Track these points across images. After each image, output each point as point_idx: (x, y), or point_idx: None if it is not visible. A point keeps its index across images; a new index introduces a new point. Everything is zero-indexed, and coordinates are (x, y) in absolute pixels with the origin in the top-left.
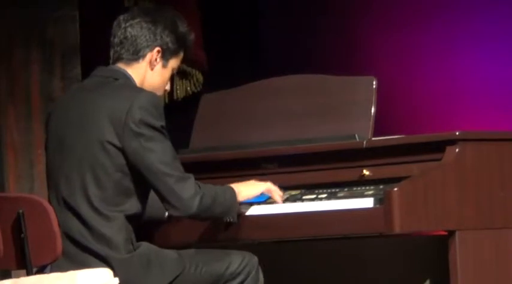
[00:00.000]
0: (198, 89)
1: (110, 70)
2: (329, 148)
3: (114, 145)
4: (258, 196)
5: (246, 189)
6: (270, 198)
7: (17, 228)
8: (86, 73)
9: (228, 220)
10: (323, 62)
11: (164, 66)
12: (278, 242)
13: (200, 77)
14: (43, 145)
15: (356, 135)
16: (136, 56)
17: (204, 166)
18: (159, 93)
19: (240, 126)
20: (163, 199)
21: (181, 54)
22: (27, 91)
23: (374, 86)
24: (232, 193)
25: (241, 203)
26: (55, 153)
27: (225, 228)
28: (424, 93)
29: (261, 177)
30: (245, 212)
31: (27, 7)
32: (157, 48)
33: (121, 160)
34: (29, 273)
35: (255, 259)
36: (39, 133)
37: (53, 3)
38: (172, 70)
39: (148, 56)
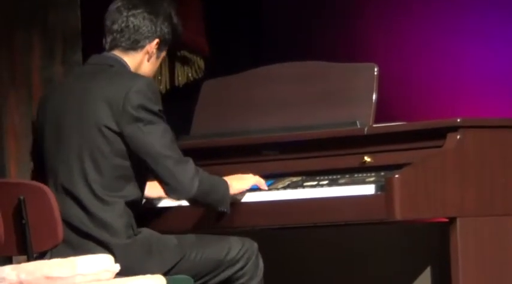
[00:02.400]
0: (200, 75)
1: (105, 57)
2: (330, 134)
3: (113, 130)
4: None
5: (237, 183)
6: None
7: (18, 214)
8: (87, 59)
9: (222, 210)
10: (325, 48)
11: (158, 56)
12: (278, 229)
13: (201, 63)
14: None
15: (357, 122)
16: (135, 45)
17: (205, 153)
18: None
19: (241, 113)
20: (162, 182)
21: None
22: (28, 76)
23: (375, 73)
24: (226, 184)
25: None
26: (51, 138)
27: (224, 216)
28: (426, 79)
29: (262, 163)
30: (244, 199)
31: None
32: (156, 40)
33: (120, 145)
34: (29, 259)
35: (255, 245)
36: None
37: None
38: (161, 61)
39: (147, 47)
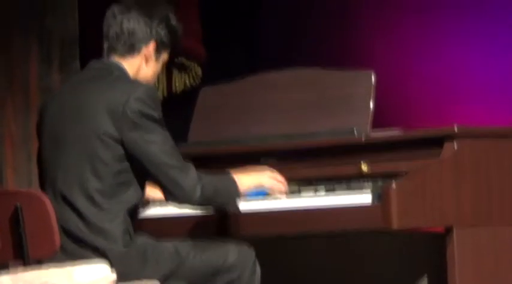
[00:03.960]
0: (197, 82)
1: (104, 63)
2: (327, 142)
3: (112, 137)
4: (258, 192)
5: (247, 179)
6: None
7: (15, 222)
8: (84, 65)
9: (230, 209)
10: (321, 55)
11: (157, 59)
12: (272, 238)
13: (199, 70)
14: None
15: (354, 130)
16: (132, 49)
17: (202, 160)
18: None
19: (239, 120)
20: (164, 189)
21: (170, 48)
22: (25, 83)
23: (373, 80)
24: (233, 183)
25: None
26: (51, 146)
27: (222, 224)
28: (423, 88)
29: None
30: (242, 208)
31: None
32: (152, 43)
33: (120, 151)
34: (26, 267)
35: (252, 251)
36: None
37: None
38: (163, 63)
39: (144, 50)
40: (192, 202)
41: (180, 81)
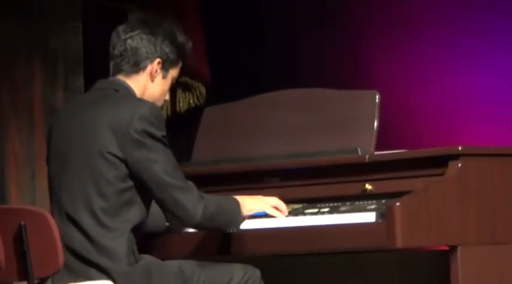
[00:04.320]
0: (201, 102)
1: (109, 82)
2: (331, 162)
3: (116, 156)
4: (259, 213)
5: (250, 202)
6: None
7: (19, 240)
8: (88, 85)
9: (230, 230)
10: (325, 75)
11: (164, 76)
12: (280, 256)
13: (203, 90)
14: (45, 156)
15: (358, 149)
16: (136, 67)
17: (206, 180)
18: (159, 103)
19: (242, 139)
20: (166, 209)
21: (180, 64)
22: (29, 102)
23: (377, 100)
24: (236, 204)
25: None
26: (57, 165)
27: (226, 242)
28: (427, 107)
29: (264, 190)
30: (246, 226)
31: (30, 18)
32: (157, 60)
33: (124, 170)
34: None
35: (258, 272)
36: (41, 144)
37: (57, 15)
38: (172, 80)
39: (149, 68)
40: (194, 223)
41: (184, 101)
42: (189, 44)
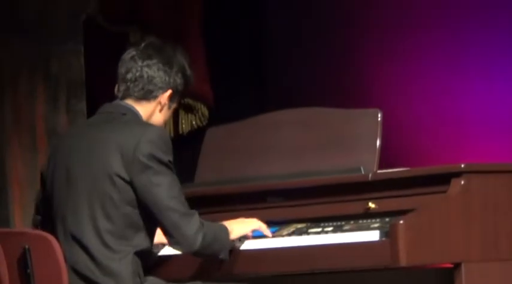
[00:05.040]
0: (204, 123)
1: (117, 106)
2: (334, 181)
3: (123, 179)
4: (255, 232)
5: (238, 227)
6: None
7: (23, 264)
8: (90, 107)
9: (222, 257)
10: (328, 93)
11: (169, 107)
12: (284, 276)
13: (205, 111)
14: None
15: (361, 168)
16: (149, 95)
17: (209, 200)
18: None
19: (245, 160)
20: (167, 233)
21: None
22: (32, 125)
23: (379, 119)
24: (226, 231)
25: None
26: (62, 188)
27: (230, 263)
28: (429, 125)
29: (267, 210)
30: (250, 246)
31: (32, 41)
32: (169, 91)
33: (130, 193)
34: None
35: None
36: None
37: (58, 38)
38: (173, 110)
39: (160, 98)
40: (193, 249)
41: (186, 122)
42: (193, 76)
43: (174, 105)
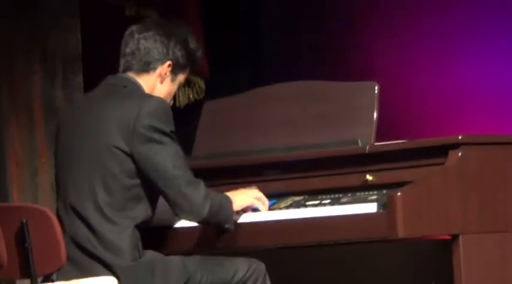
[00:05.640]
0: (201, 97)
1: (118, 78)
2: (332, 153)
3: (123, 151)
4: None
5: (240, 198)
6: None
7: (21, 238)
8: (87, 82)
9: (228, 227)
10: (324, 67)
11: (173, 80)
12: (284, 248)
13: (202, 85)
14: (46, 154)
15: (359, 141)
16: (147, 67)
17: (206, 174)
18: None
19: (243, 133)
20: (173, 203)
21: (188, 70)
22: (29, 101)
23: (376, 91)
24: (230, 201)
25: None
26: (64, 161)
27: (230, 235)
28: (427, 97)
29: (264, 183)
30: (249, 219)
31: (28, 17)
32: (168, 62)
33: (130, 165)
34: (33, 282)
35: (262, 265)
36: (41, 142)
37: (54, 13)
38: (179, 85)
39: (159, 69)
40: (201, 218)
41: (184, 96)
42: (200, 52)
43: (179, 79)
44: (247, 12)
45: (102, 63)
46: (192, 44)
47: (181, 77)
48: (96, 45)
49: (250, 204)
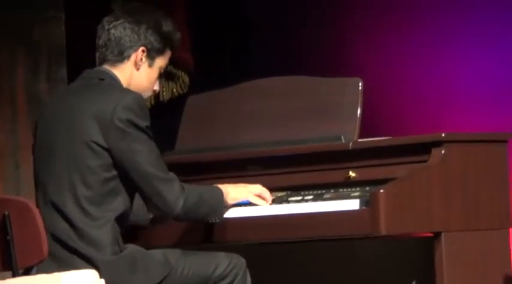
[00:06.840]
0: (184, 91)
1: (95, 71)
2: (315, 149)
3: (100, 145)
4: (242, 202)
5: (234, 191)
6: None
7: (3, 230)
8: (72, 75)
9: (213, 220)
10: (310, 63)
11: (150, 65)
12: (265, 244)
13: (186, 79)
14: (29, 147)
15: (342, 137)
16: (121, 56)
17: (189, 168)
18: (147, 93)
19: (226, 128)
20: (147, 199)
21: (168, 53)
22: (12, 93)
23: (360, 87)
24: (219, 193)
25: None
26: (42, 155)
27: (210, 230)
28: (411, 94)
29: (248, 178)
30: (231, 214)
31: (12, 9)
32: (141, 48)
33: (107, 159)
34: (14, 275)
35: (243, 261)
36: (24, 135)
37: (39, 5)
38: (160, 69)
39: (133, 56)
40: (174, 215)
41: (167, 90)
42: (178, 34)
43: (158, 64)
44: (233, 6)
45: (87, 55)
46: (167, 27)
47: (160, 61)
48: (80, 37)
49: (245, 198)
